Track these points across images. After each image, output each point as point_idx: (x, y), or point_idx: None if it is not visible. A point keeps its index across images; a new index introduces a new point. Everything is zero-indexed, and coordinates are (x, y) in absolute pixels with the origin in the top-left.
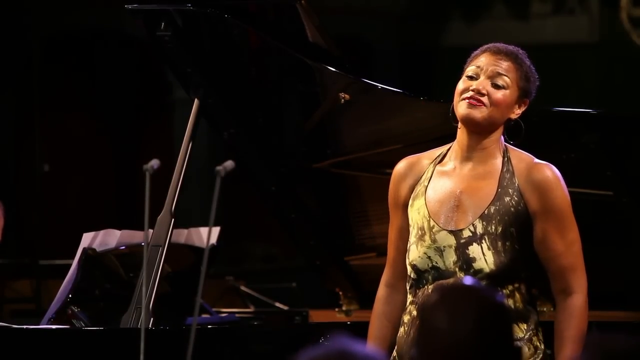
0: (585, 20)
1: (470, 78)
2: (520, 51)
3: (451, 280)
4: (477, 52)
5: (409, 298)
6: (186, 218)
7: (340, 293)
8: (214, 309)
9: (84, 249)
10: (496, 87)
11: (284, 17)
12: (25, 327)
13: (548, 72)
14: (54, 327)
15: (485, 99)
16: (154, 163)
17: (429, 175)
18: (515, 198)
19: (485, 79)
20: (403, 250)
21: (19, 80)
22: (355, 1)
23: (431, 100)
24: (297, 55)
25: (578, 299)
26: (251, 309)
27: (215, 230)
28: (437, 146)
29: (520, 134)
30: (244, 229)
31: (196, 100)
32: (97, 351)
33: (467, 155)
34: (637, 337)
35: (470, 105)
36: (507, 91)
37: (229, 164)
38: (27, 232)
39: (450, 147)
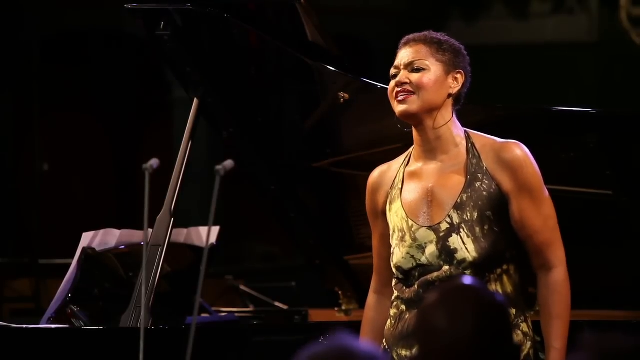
0: (584, 19)
1: (394, 77)
2: (432, 32)
3: (449, 279)
4: (397, 51)
5: (395, 293)
6: (186, 217)
7: (340, 292)
8: (213, 309)
9: (84, 248)
10: (416, 71)
11: (283, 16)
12: (24, 326)
13: (547, 71)
14: (53, 326)
15: (409, 87)
16: (154, 162)
17: (401, 177)
18: (486, 182)
19: (404, 70)
20: (387, 257)
21: (19, 80)
22: (355, 1)
23: None
24: (297, 55)
25: (559, 273)
26: (251, 309)
27: (215, 230)
28: None
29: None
30: (244, 228)
31: (195, 100)
32: (97, 351)
33: (428, 149)
34: (636, 337)
35: (401, 101)
36: (429, 71)
37: (229, 163)
38: (27, 232)
39: (413, 147)
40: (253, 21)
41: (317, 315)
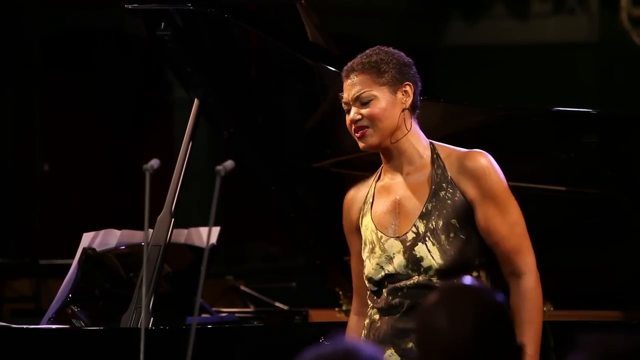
0: (585, 20)
1: (348, 112)
2: (366, 55)
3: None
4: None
5: (370, 304)
6: (186, 218)
7: (340, 292)
8: (213, 309)
9: (84, 248)
10: (365, 104)
11: (283, 16)
12: (25, 326)
13: (548, 71)
14: (53, 326)
15: (363, 122)
16: (154, 163)
17: (372, 193)
18: (450, 190)
19: (354, 106)
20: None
21: (19, 80)
22: (355, 1)
23: (431, 99)
24: (297, 55)
25: (529, 280)
26: (251, 309)
27: (215, 230)
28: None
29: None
30: (244, 228)
31: (196, 100)
32: (97, 351)
33: (394, 165)
34: (636, 337)
35: (360, 138)
36: (376, 100)
37: (229, 163)
38: (27, 232)
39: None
40: (253, 21)
41: (317, 315)
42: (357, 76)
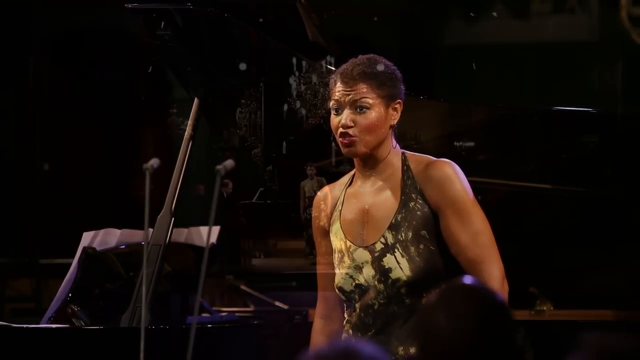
0: (585, 19)
1: (336, 112)
2: (366, 64)
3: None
4: (332, 77)
5: (346, 317)
6: (186, 217)
7: None
8: (214, 308)
9: (84, 248)
10: (360, 110)
11: (283, 16)
12: (25, 326)
13: (548, 71)
14: (53, 326)
15: (354, 130)
16: (154, 162)
17: (342, 199)
18: (420, 201)
19: (347, 109)
20: (332, 278)
21: (19, 80)
22: (355, 1)
23: (431, 99)
24: (297, 55)
25: None
26: (251, 308)
27: (216, 230)
28: (435, 145)
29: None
30: (244, 228)
31: (196, 100)
32: (97, 350)
33: (367, 172)
34: (637, 337)
35: (346, 145)
36: (372, 110)
37: (229, 163)
38: (27, 231)
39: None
40: (253, 21)
41: None
42: (356, 83)
